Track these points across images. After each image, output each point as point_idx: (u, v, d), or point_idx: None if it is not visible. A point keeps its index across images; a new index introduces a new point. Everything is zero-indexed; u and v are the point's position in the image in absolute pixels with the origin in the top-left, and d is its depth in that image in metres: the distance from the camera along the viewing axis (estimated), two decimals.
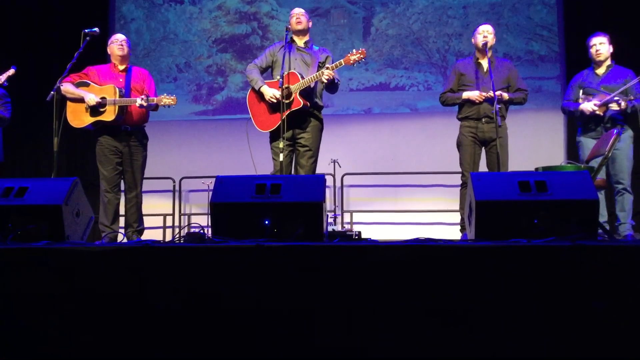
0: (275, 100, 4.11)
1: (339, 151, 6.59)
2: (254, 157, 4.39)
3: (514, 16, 6.86)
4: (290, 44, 4.33)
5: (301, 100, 4.06)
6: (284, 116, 3.99)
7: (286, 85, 4.10)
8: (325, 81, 4.06)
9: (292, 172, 4.26)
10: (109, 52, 4.51)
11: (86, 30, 4.07)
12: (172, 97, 4.30)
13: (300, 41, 4.35)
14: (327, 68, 4.03)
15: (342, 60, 4.04)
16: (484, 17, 6.82)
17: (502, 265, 2.01)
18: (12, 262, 2.17)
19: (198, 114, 7.29)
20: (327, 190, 5.74)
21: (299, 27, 4.29)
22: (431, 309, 2.00)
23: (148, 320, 2.09)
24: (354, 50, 4.04)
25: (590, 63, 4.70)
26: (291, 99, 4.08)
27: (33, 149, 6.85)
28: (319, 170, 4.47)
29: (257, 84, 4.23)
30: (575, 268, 1.96)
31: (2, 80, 4.64)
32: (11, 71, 4.67)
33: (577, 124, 4.70)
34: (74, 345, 2.10)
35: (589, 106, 4.42)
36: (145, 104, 4.21)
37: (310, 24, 4.41)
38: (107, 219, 4.34)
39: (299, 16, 4.32)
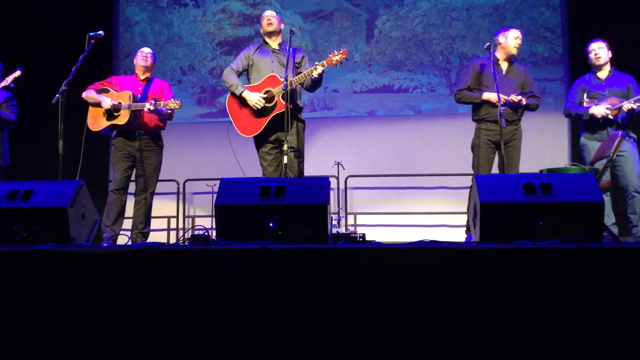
0: (260, 106, 4.11)
1: (343, 153, 6.59)
2: (241, 162, 4.36)
3: (518, 18, 6.86)
4: (264, 47, 4.34)
5: (284, 103, 4.04)
6: (270, 119, 4.03)
7: (268, 89, 4.12)
8: (317, 76, 4.02)
9: (282, 175, 4.25)
10: (134, 63, 4.75)
11: (91, 34, 4.09)
12: (177, 102, 4.42)
13: (274, 43, 4.32)
14: (317, 65, 4.01)
15: (324, 61, 4.02)
16: (487, 19, 6.82)
17: (507, 268, 2.00)
18: (18, 264, 2.17)
19: (202, 117, 7.31)
20: (331, 193, 5.74)
21: (270, 28, 4.28)
22: (435, 311, 2.00)
23: (152, 322, 2.09)
24: (336, 52, 4.04)
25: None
26: (274, 103, 4.07)
27: (39, 152, 6.88)
28: (322, 173, 4.47)
29: (238, 89, 4.20)
30: (580, 270, 1.96)
31: (9, 82, 4.67)
32: (17, 73, 4.69)
33: (580, 126, 4.71)
34: (79, 348, 2.10)
35: (601, 110, 4.43)
36: (152, 108, 4.36)
37: (282, 25, 4.37)
38: (108, 219, 4.46)
39: (269, 18, 4.31)
